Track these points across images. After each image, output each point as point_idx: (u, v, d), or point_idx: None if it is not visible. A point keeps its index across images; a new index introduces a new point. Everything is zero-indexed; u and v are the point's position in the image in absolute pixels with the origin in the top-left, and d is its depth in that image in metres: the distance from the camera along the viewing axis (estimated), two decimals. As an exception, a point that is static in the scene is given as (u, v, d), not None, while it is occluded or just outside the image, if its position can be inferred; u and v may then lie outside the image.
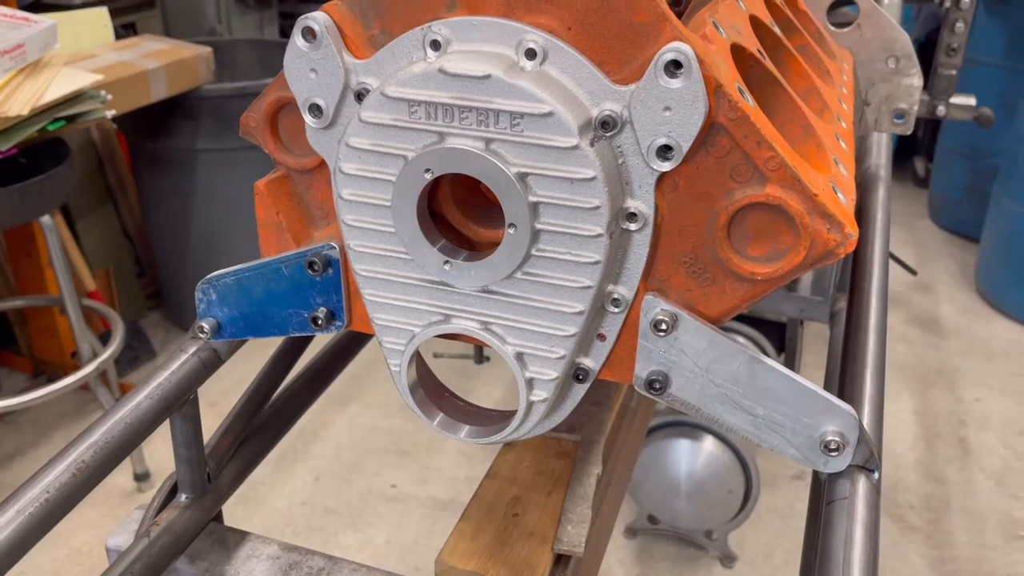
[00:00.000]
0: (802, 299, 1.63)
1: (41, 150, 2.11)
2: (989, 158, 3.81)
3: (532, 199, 0.62)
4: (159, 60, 2.57)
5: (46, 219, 2.18)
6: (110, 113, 2.17)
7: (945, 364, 3.14)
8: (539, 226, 0.63)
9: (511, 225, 0.64)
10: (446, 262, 0.67)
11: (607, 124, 0.61)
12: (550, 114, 0.60)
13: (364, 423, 2.77)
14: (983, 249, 3.66)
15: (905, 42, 1.21)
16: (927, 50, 2.41)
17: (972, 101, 2.26)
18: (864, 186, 1.23)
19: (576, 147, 0.60)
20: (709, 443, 2.07)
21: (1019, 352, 3.22)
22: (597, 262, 0.64)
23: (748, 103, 0.62)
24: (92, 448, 0.72)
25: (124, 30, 3.58)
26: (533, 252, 0.65)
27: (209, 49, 2.79)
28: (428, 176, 0.64)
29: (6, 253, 2.79)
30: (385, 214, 0.68)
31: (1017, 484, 2.55)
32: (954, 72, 2.27)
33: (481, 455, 2.59)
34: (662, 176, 0.63)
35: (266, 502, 2.45)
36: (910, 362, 3.15)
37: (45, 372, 2.91)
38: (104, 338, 2.64)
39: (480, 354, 1.82)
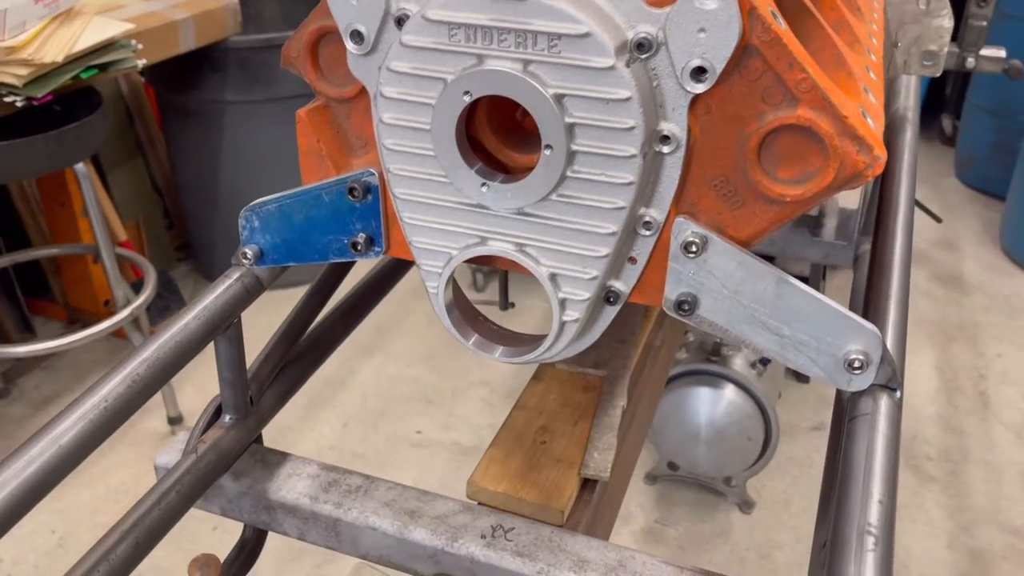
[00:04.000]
0: (826, 244, 1.65)
1: (74, 98, 2.14)
2: (1017, 115, 3.76)
3: (568, 120, 0.64)
4: (187, 11, 2.59)
5: (80, 167, 2.22)
6: (141, 62, 2.20)
7: (967, 320, 3.14)
8: (575, 147, 0.66)
9: (547, 147, 0.66)
10: (483, 184, 0.70)
11: (642, 46, 0.63)
12: (587, 35, 0.61)
13: (390, 372, 2.82)
14: (1008, 206, 3.63)
15: (936, -18, 1.20)
16: (958, 2, 2.37)
17: (1002, 53, 2.24)
18: (892, 128, 1.24)
19: (612, 68, 0.62)
20: (730, 391, 2.10)
21: (1042, 309, 3.22)
22: (630, 183, 0.66)
23: (781, 26, 0.64)
24: (146, 363, 0.76)
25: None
26: (568, 173, 0.67)
27: (236, 0, 2.80)
28: (467, 99, 0.66)
29: (40, 203, 2.85)
30: (424, 137, 0.70)
31: (1036, 437, 2.57)
32: (984, 23, 2.24)
33: (504, 404, 2.64)
34: (695, 99, 0.65)
35: (295, 446, 2.51)
36: (932, 317, 3.15)
37: (79, 320, 2.98)
38: (136, 287, 2.70)
39: (505, 300, 1.84)
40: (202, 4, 2.68)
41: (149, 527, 0.79)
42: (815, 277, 2.34)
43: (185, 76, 2.90)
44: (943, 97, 4.64)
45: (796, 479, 2.39)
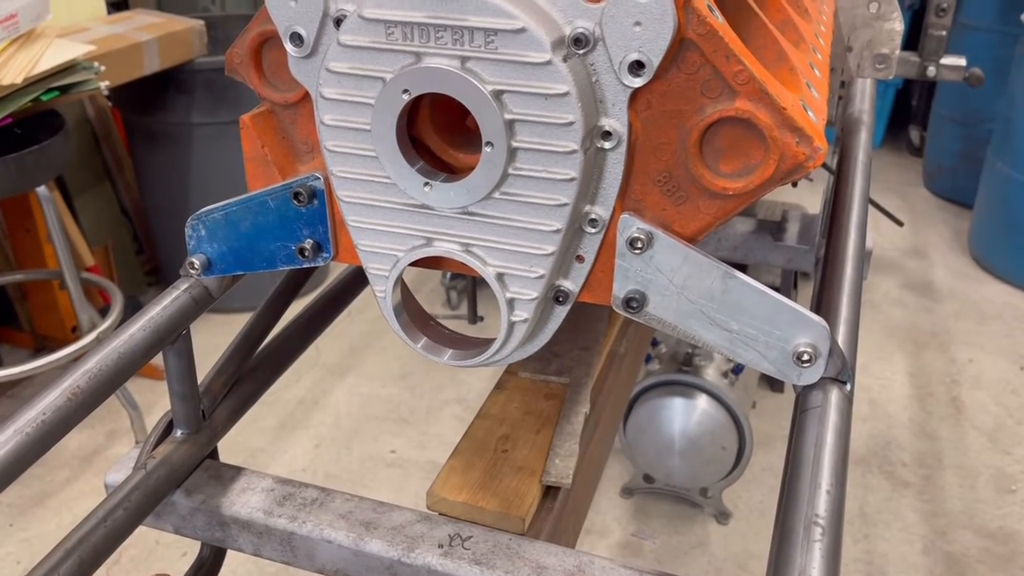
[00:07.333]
0: (789, 248, 1.65)
1: (36, 122, 2.12)
2: (983, 124, 3.82)
3: (508, 116, 0.64)
4: (152, 33, 2.58)
5: (43, 190, 2.19)
6: (104, 84, 2.18)
7: (939, 327, 3.16)
8: (515, 144, 0.65)
9: (488, 144, 0.65)
10: (426, 183, 0.69)
11: (580, 41, 0.63)
12: (523, 30, 0.61)
13: (363, 392, 2.80)
14: (976, 214, 3.67)
15: (886, -14, 1.22)
16: (921, 15, 2.40)
17: (962, 62, 2.27)
18: (847, 130, 1.25)
19: (549, 63, 0.62)
20: (702, 401, 2.09)
21: (1012, 314, 3.25)
22: (572, 179, 0.66)
23: (717, 19, 0.64)
24: (87, 375, 0.74)
25: (116, 9, 3.58)
26: (510, 171, 0.66)
27: (201, 22, 2.79)
28: (406, 97, 0.66)
29: (5, 229, 2.81)
30: (366, 138, 0.69)
31: (1009, 440, 2.58)
32: (944, 33, 2.27)
33: (479, 421, 2.62)
34: (635, 94, 0.65)
35: (267, 468, 2.47)
36: (904, 325, 3.17)
37: (47, 347, 2.93)
38: (104, 312, 2.66)
39: (474, 314, 1.84)
40: (167, 26, 2.67)
41: (94, 545, 0.77)
42: (786, 285, 2.35)
43: (152, 99, 2.88)
44: (910, 109, 4.71)
45: (773, 489, 2.38)
